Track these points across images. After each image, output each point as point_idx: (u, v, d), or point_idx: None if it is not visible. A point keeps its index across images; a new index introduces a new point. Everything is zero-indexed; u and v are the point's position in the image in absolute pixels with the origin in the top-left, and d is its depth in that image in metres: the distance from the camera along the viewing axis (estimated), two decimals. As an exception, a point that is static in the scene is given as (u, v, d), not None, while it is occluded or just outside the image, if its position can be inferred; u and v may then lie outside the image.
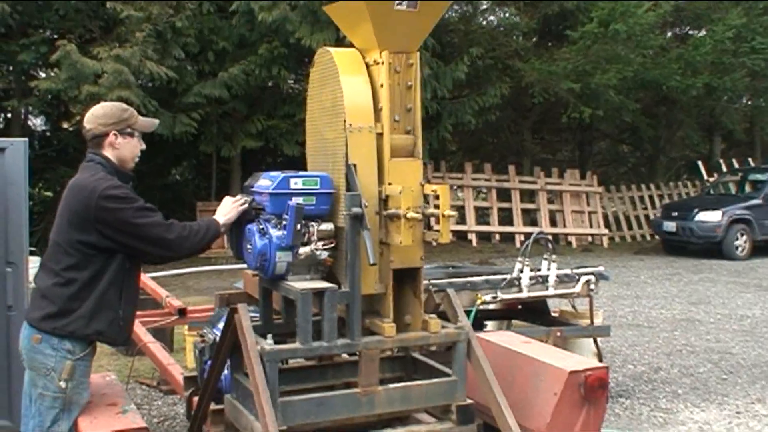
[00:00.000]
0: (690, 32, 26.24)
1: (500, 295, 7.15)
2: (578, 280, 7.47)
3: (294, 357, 4.35)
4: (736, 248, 20.44)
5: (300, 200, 4.12)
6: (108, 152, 4.56)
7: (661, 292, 15.06)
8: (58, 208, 4.50)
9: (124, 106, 4.72)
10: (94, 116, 4.58)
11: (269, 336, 4.12)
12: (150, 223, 4.32)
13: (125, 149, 4.59)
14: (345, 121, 4.17)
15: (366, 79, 4.33)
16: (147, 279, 9.18)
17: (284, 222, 4.11)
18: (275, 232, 4.16)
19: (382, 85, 4.27)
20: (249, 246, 4.33)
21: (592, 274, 7.58)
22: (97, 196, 4.26)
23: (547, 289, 7.35)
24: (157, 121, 4.98)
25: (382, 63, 4.26)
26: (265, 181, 4.32)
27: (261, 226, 4.26)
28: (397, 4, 4.17)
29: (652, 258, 20.89)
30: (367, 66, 4.38)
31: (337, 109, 4.27)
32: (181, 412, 7.44)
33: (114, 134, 4.53)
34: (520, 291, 7.24)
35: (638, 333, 11.26)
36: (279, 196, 4.17)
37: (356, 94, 4.25)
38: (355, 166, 4.16)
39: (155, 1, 16.69)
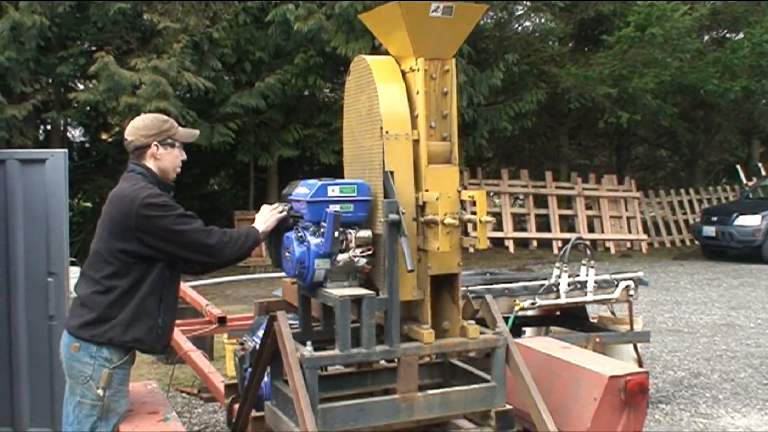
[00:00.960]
0: (727, 35, 26.05)
1: (538, 301, 7.14)
2: (617, 285, 7.45)
3: (333, 364, 4.37)
4: (777, 252, 20.25)
5: (338, 208, 4.14)
6: (150, 163, 4.60)
7: (701, 297, 14.94)
8: (99, 218, 4.53)
9: (165, 117, 4.77)
10: (136, 128, 4.63)
11: (308, 343, 4.13)
12: (191, 230, 4.38)
13: (166, 160, 4.63)
14: (381, 129, 4.19)
15: (402, 86, 4.35)
16: (187, 288, 9.25)
17: (322, 229, 4.12)
18: (313, 240, 4.18)
19: (418, 92, 4.28)
20: (287, 254, 4.36)
21: (631, 279, 7.55)
22: (137, 204, 4.30)
23: (585, 295, 7.33)
24: (197, 132, 5.00)
25: (418, 70, 4.27)
26: (302, 189, 4.35)
27: (299, 234, 4.28)
28: (433, 11, 4.18)
29: (692, 263, 20.73)
30: (403, 73, 4.39)
31: (374, 117, 4.28)
32: (222, 420, 7.50)
33: (155, 145, 4.58)
34: (559, 297, 7.22)
35: (678, 338, 11.18)
36: (317, 203, 4.19)
37: (392, 102, 4.26)
38: (392, 173, 4.17)
39: (192, 8, 16.80)
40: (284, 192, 4.68)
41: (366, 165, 4.41)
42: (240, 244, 4.47)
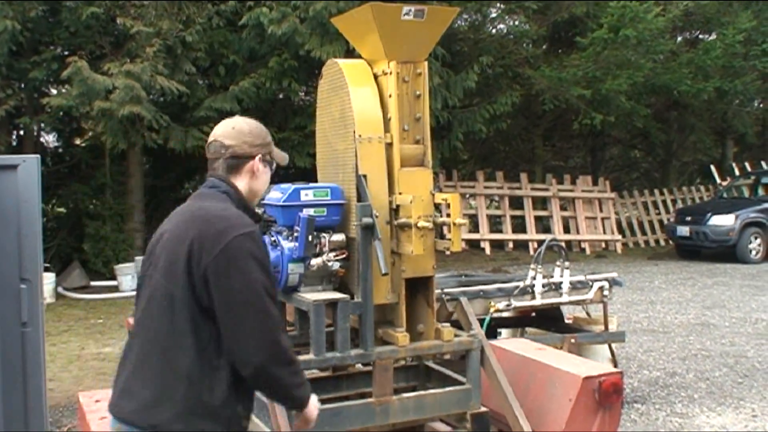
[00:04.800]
0: (700, 36, 26.20)
1: (514, 303, 7.15)
2: (591, 286, 7.49)
3: (308, 368, 4.35)
4: (750, 252, 20.37)
5: (311, 212, 4.14)
6: (243, 181, 3.46)
7: (676, 296, 15.01)
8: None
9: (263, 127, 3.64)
10: (240, 132, 3.49)
11: (283, 347, 4.12)
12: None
13: (261, 180, 3.52)
14: (354, 132, 4.19)
15: (374, 90, 4.35)
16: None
17: (296, 234, 4.13)
18: (287, 244, 4.18)
19: (390, 96, 4.29)
20: (261, 258, 4.35)
21: (605, 280, 7.58)
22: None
23: (560, 296, 7.36)
24: (286, 156, 3.77)
25: (391, 73, 4.28)
26: (275, 194, 4.34)
27: (273, 238, 4.27)
28: (405, 14, 4.19)
29: (666, 263, 20.82)
30: (375, 76, 4.40)
31: (347, 120, 4.28)
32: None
33: (260, 159, 3.47)
34: (534, 298, 7.25)
35: (653, 338, 11.23)
36: (290, 207, 4.19)
37: (365, 105, 4.27)
38: (365, 176, 4.17)
39: (165, 11, 16.73)
40: (258, 196, 4.66)
41: (339, 168, 4.41)
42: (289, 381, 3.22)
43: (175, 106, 17.72)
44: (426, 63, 4.39)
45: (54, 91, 18.07)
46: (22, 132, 19.62)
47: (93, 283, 17.17)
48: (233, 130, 3.47)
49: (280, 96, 19.56)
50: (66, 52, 17.34)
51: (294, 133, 19.10)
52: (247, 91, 17.33)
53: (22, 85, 17.55)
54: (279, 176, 18.74)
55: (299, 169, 20.03)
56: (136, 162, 19.42)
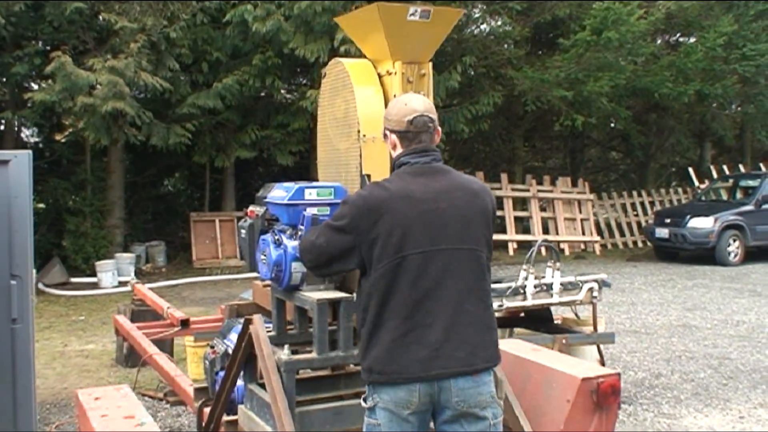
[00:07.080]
0: (681, 39, 26.32)
1: (506, 304, 7.17)
2: (581, 287, 7.52)
3: (311, 367, 4.36)
4: (729, 254, 20.48)
5: (315, 210, 4.13)
6: None
7: (656, 298, 15.09)
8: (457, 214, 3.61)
9: None
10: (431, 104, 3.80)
11: (286, 346, 4.12)
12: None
13: None
14: (359, 132, 4.19)
15: (379, 90, 4.36)
16: (147, 291, 9.19)
17: (299, 233, 4.12)
18: (290, 243, 4.16)
19: (395, 96, 4.28)
20: (263, 257, 4.33)
21: (594, 281, 7.61)
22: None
23: (551, 297, 7.38)
24: None
25: (395, 73, 4.28)
26: (279, 192, 4.33)
27: (276, 237, 4.26)
28: (411, 15, 4.19)
29: (645, 264, 20.91)
30: (380, 76, 4.40)
31: (350, 120, 4.28)
32: (187, 424, 7.46)
33: None
34: (525, 299, 7.27)
35: (636, 339, 11.28)
36: (294, 206, 4.18)
37: (369, 105, 4.27)
38: (368, 176, 4.17)
39: (149, 7, 16.67)
40: (259, 194, 4.65)
41: (342, 168, 4.41)
42: None
43: (157, 102, 17.71)
44: (430, 64, 4.41)
45: (36, 87, 17.95)
46: (2, 127, 19.51)
47: (73, 280, 17.12)
48: (429, 104, 3.76)
49: (263, 93, 19.59)
50: (49, 47, 17.28)
51: (276, 131, 19.13)
52: (230, 89, 17.34)
53: (4, 80, 17.44)
54: (261, 174, 18.70)
55: (281, 167, 20.05)
56: (117, 158, 19.36)
